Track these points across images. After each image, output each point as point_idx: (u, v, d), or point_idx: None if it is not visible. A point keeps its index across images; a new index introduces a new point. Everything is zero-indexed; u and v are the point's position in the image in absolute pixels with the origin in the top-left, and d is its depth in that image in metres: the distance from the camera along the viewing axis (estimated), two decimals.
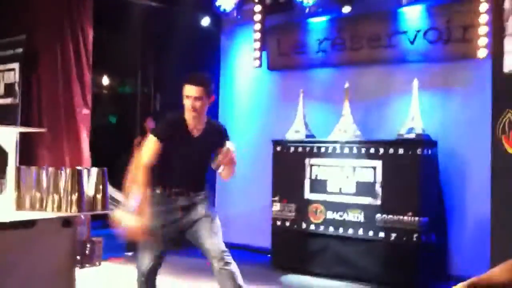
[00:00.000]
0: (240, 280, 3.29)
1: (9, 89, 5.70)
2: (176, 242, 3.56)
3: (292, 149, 6.06)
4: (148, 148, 3.38)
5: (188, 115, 3.41)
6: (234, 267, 3.30)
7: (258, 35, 6.88)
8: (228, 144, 3.38)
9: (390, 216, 5.29)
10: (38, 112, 5.69)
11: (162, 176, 3.43)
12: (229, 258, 3.30)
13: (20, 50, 5.66)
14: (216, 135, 3.50)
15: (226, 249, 3.32)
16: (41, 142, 5.57)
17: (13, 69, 5.69)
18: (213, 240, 3.33)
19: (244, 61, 7.25)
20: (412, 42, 5.92)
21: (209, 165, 3.42)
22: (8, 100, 5.72)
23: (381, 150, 5.43)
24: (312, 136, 6.13)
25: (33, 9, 5.75)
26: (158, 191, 3.42)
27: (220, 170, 3.35)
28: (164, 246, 3.46)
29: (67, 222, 3.09)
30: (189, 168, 3.46)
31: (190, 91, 3.36)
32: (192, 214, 3.43)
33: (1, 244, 2.76)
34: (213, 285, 3.41)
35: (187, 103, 3.37)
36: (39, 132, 5.39)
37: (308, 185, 5.88)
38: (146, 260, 3.41)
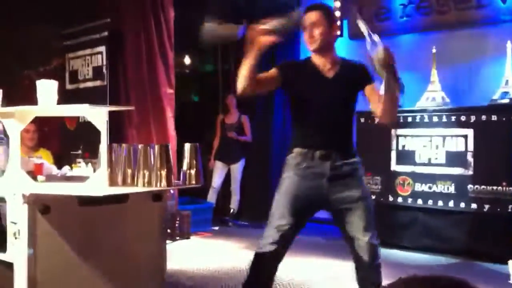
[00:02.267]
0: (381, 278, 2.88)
1: (97, 72, 5.91)
2: (309, 214, 2.91)
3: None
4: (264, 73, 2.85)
5: (312, 52, 2.87)
6: (379, 264, 2.89)
7: (338, 3, 6.70)
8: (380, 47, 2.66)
9: (483, 186, 5.04)
10: (125, 93, 5.86)
11: (300, 133, 2.87)
12: (378, 256, 2.89)
13: (105, 33, 5.82)
14: (357, 74, 2.86)
15: (376, 243, 2.87)
16: (130, 122, 5.76)
17: (100, 52, 5.89)
18: (366, 237, 2.80)
19: None
20: (504, 1, 5.55)
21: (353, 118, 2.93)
22: (97, 83, 5.93)
23: (473, 118, 5.15)
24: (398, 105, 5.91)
25: None
26: (297, 152, 2.83)
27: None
28: (295, 218, 2.78)
29: (157, 196, 3.17)
30: (332, 121, 2.82)
31: (307, 19, 2.86)
32: (342, 192, 2.78)
33: (96, 218, 2.89)
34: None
35: (306, 36, 2.87)
36: (128, 113, 5.58)
37: (394, 157, 5.71)
38: (267, 240, 2.78)
